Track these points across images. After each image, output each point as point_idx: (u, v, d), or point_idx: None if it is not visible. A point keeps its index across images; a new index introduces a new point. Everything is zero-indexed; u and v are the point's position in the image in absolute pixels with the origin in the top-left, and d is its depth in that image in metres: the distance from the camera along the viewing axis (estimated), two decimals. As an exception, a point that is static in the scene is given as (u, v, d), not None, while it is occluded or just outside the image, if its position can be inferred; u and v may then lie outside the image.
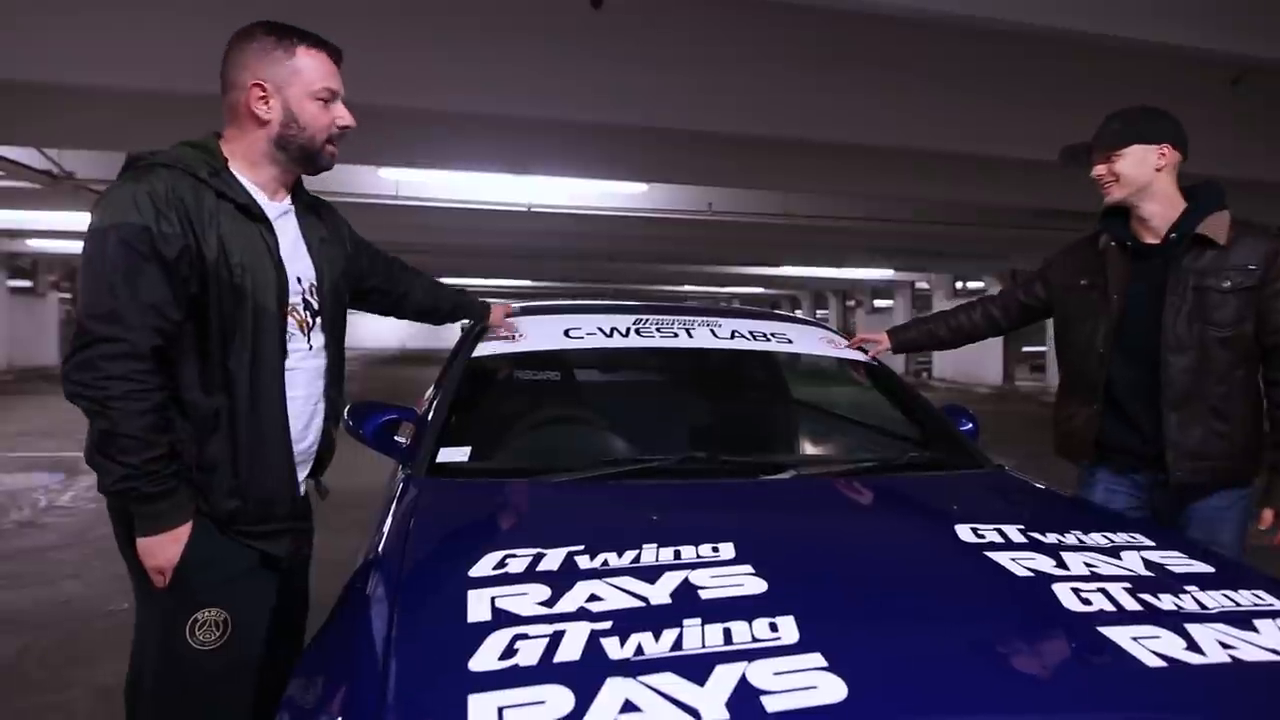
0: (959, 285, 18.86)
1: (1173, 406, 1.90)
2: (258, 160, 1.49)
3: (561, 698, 0.91)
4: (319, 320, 1.57)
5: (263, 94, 1.46)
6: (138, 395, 1.31)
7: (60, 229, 11.63)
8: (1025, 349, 18.19)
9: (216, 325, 1.40)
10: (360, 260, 1.80)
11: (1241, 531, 1.94)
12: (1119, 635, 1.08)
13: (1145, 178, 1.91)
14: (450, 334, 2.44)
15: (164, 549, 1.38)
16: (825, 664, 0.98)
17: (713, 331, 2.34)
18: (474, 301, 2.20)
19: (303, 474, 1.59)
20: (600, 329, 2.30)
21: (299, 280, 1.53)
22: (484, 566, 1.24)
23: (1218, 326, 1.87)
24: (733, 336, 2.34)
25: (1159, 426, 1.91)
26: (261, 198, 1.49)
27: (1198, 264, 1.89)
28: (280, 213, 1.53)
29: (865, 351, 2.39)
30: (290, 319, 1.50)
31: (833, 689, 0.94)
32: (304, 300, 1.54)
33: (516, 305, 2.48)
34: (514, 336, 2.23)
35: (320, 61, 1.50)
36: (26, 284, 17.50)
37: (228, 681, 1.45)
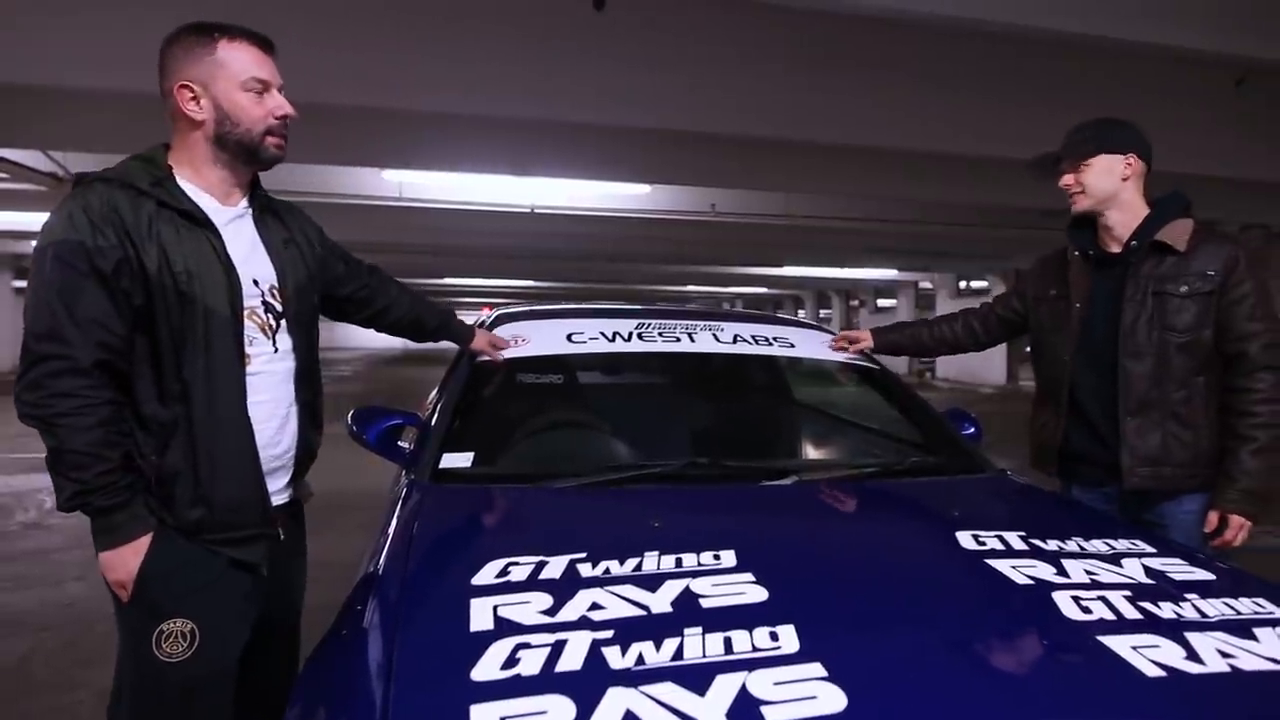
0: (962, 285, 18.83)
1: (1130, 412, 1.90)
2: (201, 164, 1.47)
3: (563, 708, 0.92)
4: (283, 322, 1.55)
5: (191, 94, 1.44)
6: (83, 410, 1.31)
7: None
8: (1029, 349, 18.15)
9: (167, 334, 1.39)
10: (334, 266, 1.77)
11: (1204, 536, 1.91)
12: (1119, 644, 1.09)
13: (1111, 188, 1.94)
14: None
15: (124, 562, 1.38)
16: (825, 674, 0.98)
17: (715, 335, 2.34)
18: (461, 324, 2.16)
19: (285, 479, 1.58)
20: (603, 333, 2.30)
21: (256, 283, 1.50)
22: (486, 575, 1.25)
23: (1176, 332, 1.87)
24: (735, 340, 2.34)
25: (1119, 434, 1.91)
26: (210, 203, 1.47)
27: (1157, 270, 1.90)
28: (234, 216, 1.51)
29: (846, 349, 2.39)
30: (250, 322, 1.48)
31: (832, 699, 0.94)
32: (264, 303, 1.51)
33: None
34: (497, 360, 2.20)
35: (244, 52, 1.46)
36: (31, 284, 17.53)
37: (201, 691, 1.43)
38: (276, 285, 1.55)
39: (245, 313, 1.47)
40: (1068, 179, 1.98)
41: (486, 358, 2.21)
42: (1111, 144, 1.94)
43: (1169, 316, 1.88)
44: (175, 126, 1.48)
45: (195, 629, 1.41)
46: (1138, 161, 1.94)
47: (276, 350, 1.53)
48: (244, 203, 1.55)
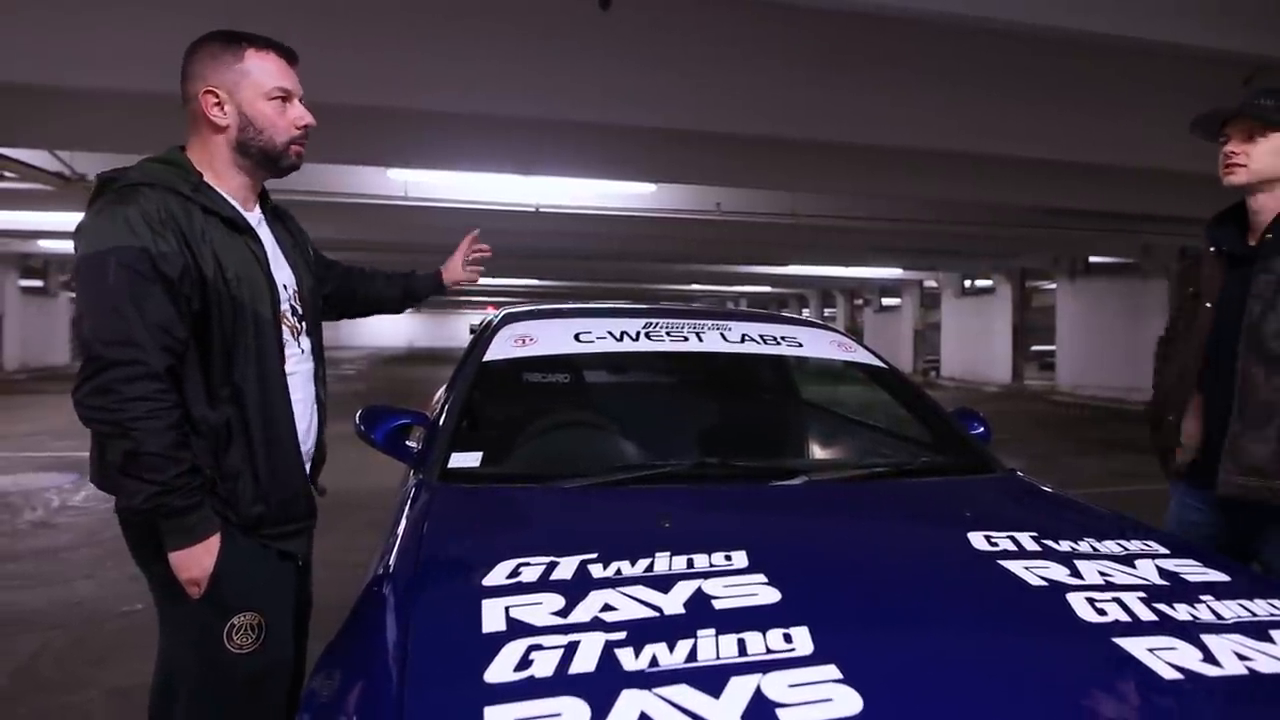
0: (967, 284, 18.79)
1: (1240, 415, 1.74)
2: (223, 170, 1.50)
3: (578, 709, 0.91)
4: (304, 324, 1.61)
5: (216, 100, 1.46)
6: (158, 414, 1.33)
7: (72, 230, 11.70)
8: (1035, 348, 18.11)
9: (219, 339, 1.42)
10: (320, 267, 1.83)
11: None
12: (1134, 646, 1.08)
13: (1277, 170, 1.75)
14: (457, 331, 2.45)
15: (198, 560, 1.40)
16: (840, 676, 0.98)
17: (723, 335, 2.34)
18: (421, 276, 2.14)
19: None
20: (610, 333, 2.29)
21: (284, 287, 1.56)
22: (498, 575, 1.25)
23: None
24: (743, 340, 2.33)
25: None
26: (239, 208, 1.51)
27: None
28: (256, 222, 1.55)
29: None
30: (283, 325, 1.53)
31: (848, 701, 0.94)
32: (290, 306, 1.57)
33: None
34: (475, 278, 2.20)
35: (269, 62, 1.49)
36: (38, 284, 17.63)
37: (268, 680, 1.49)
38: (296, 289, 1.60)
39: (281, 317, 1.52)
40: (1234, 146, 1.77)
41: (493, 357, 2.21)
42: None
43: None
44: (196, 132, 1.50)
45: (262, 620, 1.46)
46: None
47: (303, 352, 1.60)
48: (258, 209, 1.59)
